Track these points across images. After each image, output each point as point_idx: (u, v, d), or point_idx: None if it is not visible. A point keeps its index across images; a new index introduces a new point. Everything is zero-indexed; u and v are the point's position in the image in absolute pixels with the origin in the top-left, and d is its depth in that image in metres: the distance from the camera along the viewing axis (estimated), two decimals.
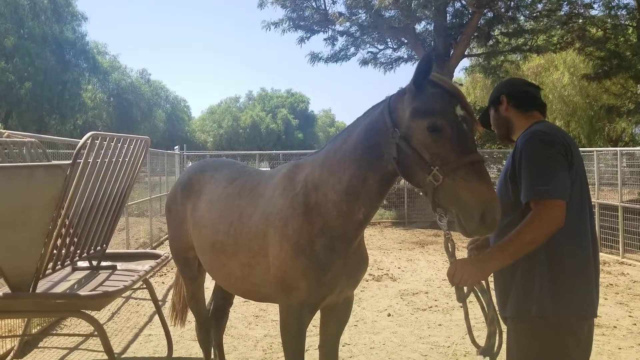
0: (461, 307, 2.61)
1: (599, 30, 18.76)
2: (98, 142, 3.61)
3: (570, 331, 2.32)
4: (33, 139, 4.83)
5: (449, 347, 5.38)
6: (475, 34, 17.86)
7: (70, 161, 3.46)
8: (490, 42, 19.06)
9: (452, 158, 2.19)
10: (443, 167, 2.18)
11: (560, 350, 2.31)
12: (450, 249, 2.36)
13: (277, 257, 2.85)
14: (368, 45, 20.16)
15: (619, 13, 18.75)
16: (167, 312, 6.60)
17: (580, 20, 18.07)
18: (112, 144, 3.87)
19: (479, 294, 2.41)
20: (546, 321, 2.32)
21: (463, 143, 2.22)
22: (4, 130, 4.69)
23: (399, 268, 9.56)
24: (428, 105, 2.28)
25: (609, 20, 18.61)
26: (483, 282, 2.38)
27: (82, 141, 3.45)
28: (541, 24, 18.18)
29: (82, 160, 3.46)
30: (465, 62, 26.36)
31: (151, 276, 5.57)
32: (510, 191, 2.43)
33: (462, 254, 2.57)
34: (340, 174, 2.70)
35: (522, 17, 18.57)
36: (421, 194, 2.44)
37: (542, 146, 2.30)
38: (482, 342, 2.42)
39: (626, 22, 19.17)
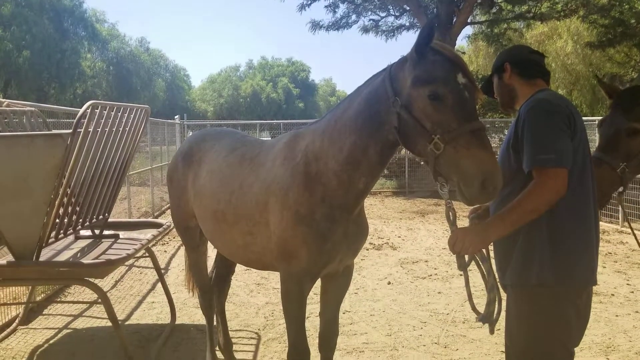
0: (461, 275, 2.63)
1: None
2: (98, 111, 3.59)
3: (569, 299, 2.34)
4: (33, 108, 4.81)
5: (447, 314, 5.45)
6: (478, 1, 17.62)
7: (71, 130, 3.46)
8: (494, 10, 18.81)
9: (454, 126, 2.17)
10: (444, 136, 2.17)
11: (559, 317, 2.33)
12: (451, 218, 2.36)
13: (278, 225, 2.87)
14: (370, 13, 19.91)
15: None
16: (170, 280, 6.68)
17: None
18: (112, 113, 3.85)
19: (480, 262, 2.42)
20: (545, 288, 2.33)
21: (464, 111, 2.21)
22: (3, 100, 4.67)
23: (399, 237, 9.62)
24: (429, 73, 2.26)
25: None
26: (483, 250, 2.39)
27: (82, 110, 3.44)
28: None
29: (82, 130, 3.45)
30: (468, 30, 26.08)
31: (153, 245, 5.61)
32: (512, 160, 2.41)
33: (463, 222, 2.59)
34: (341, 143, 2.69)
35: None
36: (422, 163, 2.43)
37: (545, 114, 2.28)
38: (481, 309, 2.45)
39: None
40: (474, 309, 2.57)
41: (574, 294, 2.35)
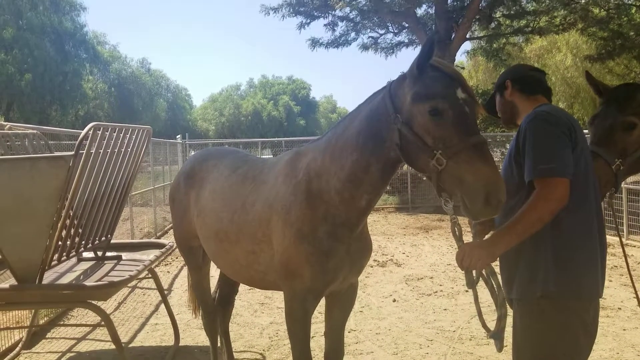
0: (468, 291, 2.62)
1: (602, 10, 18.55)
2: (100, 132, 3.60)
3: (576, 312, 2.31)
4: (35, 131, 4.82)
5: (454, 331, 5.40)
6: (477, 17, 17.74)
7: (73, 152, 3.45)
8: (492, 25, 18.93)
9: (455, 141, 2.17)
10: (446, 151, 2.17)
11: (565, 331, 2.31)
12: (457, 233, 2.35)
13: (280, 244, 2.85)
14: (369, 30, 20.05)
15: None
16: (173, 301, 6.64)
17: (583, 1, 17.90)
18: (114, 134, 3.86)
19: (489, 277, 2.40)
20: (550, 301, 2.31)
21: (465, 125, 2.21)
22: (5, 123, 4.68)
23: (404, 253, 9.57)
24: (429, 89, 2.27)
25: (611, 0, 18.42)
26: (492, 265, 2.37)
27: (84, 132, 3.44)
28: (543, 5, 18.02)
29: (84, 151, 3.45)
30: (467, 45, 26.28)
31: (156, 265, 5.59)
32: (515, 173, 2.41)
33: (468, 238, 2.56)
34: (342, 161, 2.69)
35: None
36: (425, 178, 2.44)
37: (546, 126, 2.28)
38: (490, 325, 2.42)
39: (629, 2, 18.97)
40: (484, 325, 2.54)
41: (580, 308, 2.32)
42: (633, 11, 19.04)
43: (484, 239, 2.43)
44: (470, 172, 2.12)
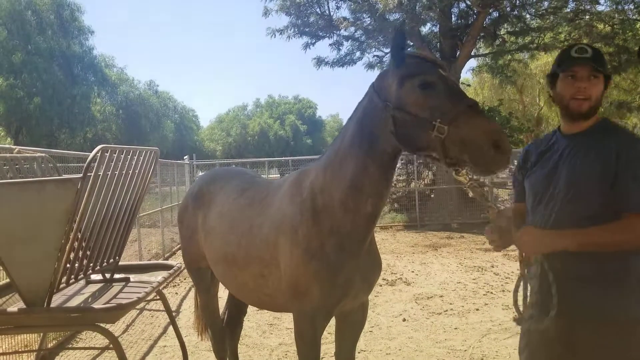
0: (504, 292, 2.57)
1: (607, 25, 18.58)
2: (108, 154, 3.60)
3: None
4: (43, 154, 4.84)
5: (465, 350, 5.33)
6: (482, 34, 17.79)
7: (81, 175, 3.46)
8: (497, 42, 18.98)
9: (450, 107, 2.27)
10: (444, 117, 2.25)
11: None
12: (485, 195, 2.40)
13: (288, 264, 2.84)
14: (374, 49, 20.13)
15: (626, 8, 18.56)
16: (182, 322, 6.60)
17: (587, 17, 17.92)
18: (122, 156, 3.86)
19: (540, 266, 2.33)
20: None
21: (455, 92, 2.34)
22: (14, 146, 4.71)
23: (413, 272, 9.50)
24: (414, 69, 2.42)
25: (616, 15, 18.43)
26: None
27: (92, 154, 3.44)
28: (547, 21, 18.06)
29: (92, 174, 3.46)
30: (472, 63, 26.34)
31: (164, 287, 5.56)
32: (601, 190, 2.25)
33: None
34: (343, 172, 2.72)
35: (528, 16, 18.46)
36: (429, 160, 2.49)
37: None
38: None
39: (634, 17, 19.00)
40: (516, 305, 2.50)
41: None
42: (638, 26, 19.06)
43: (539, 229, 2.34)
44: (472, 129, 2.20)
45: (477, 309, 6.68)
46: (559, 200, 2.33)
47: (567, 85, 2.34)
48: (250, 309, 5.18)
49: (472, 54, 18.68)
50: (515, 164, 2.74)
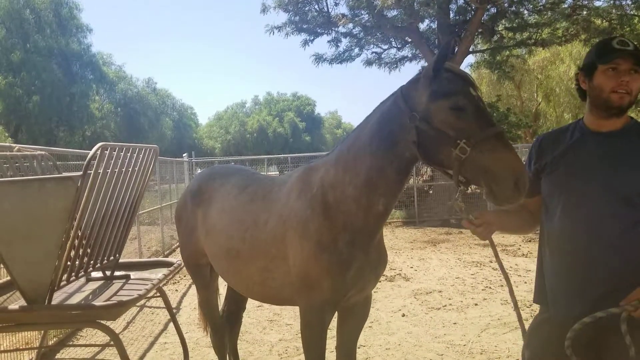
0: (476, 305, 2.58)
1: (604, 21, 18.58)
2: (107, 152, 3.62)
3: None
4: (43, 152, 4.85)
5: (464, 345, 5.36)
6: (480, 30, 17.81)
7: (81, 172, 3.48)
8: (495, 38, 18.99)
9: (477, 131, 2.27)
10: (470, 140, 2.26)
11: None
12: (465, 213, 2.46)
13: (298, 257, 2.87)
14: (372, 46, 20.17)
15: (624, 3, 18.55)
16: (182, 319, 6.62)
17: (585, 12, 17.92)
18: (122, 153, 3.88)
19: None
20: None
21: (485, 118, 2.33)
22: (14, 145, 4.72)
23: (412, 267, 9.53)
24: (447, 87, 2.39)
25: (613, 10, 18.42)
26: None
27: (92, 152, 3.46)
28: (545, 17, 18.09)
29: (92, 171, 3.47)
30: (470, 59, 26.29)
31: (164, 284, 5.58)
32: None
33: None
34: (357, 169, 2.74)
35: (525, 11, 18.48)
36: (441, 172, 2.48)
37: None
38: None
39: (632, 12, 19.00)
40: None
41: None
42: (635, 22, 19.07)
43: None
44: (496, 160, 2.23)
45: (476, 304, 6.70)
46: (600, 204, 2.26)
47: (608, 78, 2.26)
48: (250, 305, 5.21)
49: (470, 49, 18.69)
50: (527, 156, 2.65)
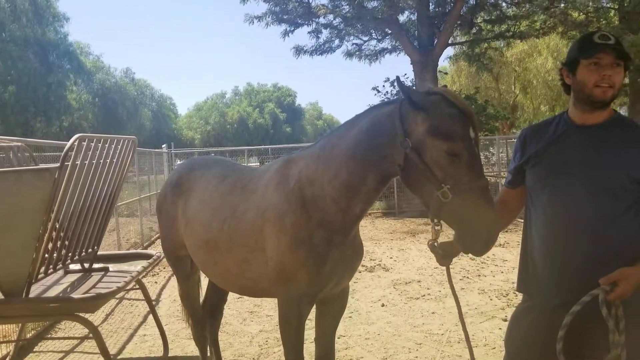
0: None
1: (581, 14, 18.83)
2: (85, 143, 3.59)
3: None
4: (19, 143, 4.80)
5: (442, 334, 5.44)
6: (459, 22, 17.90)
7: (58, 164, 3.45)
8: (474, 30, 19.12)
9: (465, 180, 2.28)
10: (455, 187, 2.27)
11: None
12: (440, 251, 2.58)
13: (275, 250, 2.88)
14: (352, 37, 20.13)
15: None
16: (162, 311, 6.61)
17: (562, 5, 18.11)
18: (100, 145, 3.85)
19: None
20: None
21: (476, 167, 2.31)
22: None
23: (391, 258, 9.61)
24: (447, 128, 2.32)
25: (590, 3, 18.68)
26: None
27: (69, 144, 3.43)
28: (523, 9, 18.23)
29: (69, 163, 3.45)
30: (449, 51, 26.44)
31: (144, 276, 5.56)
32: (630, 187, 2.25)
33: (443, 240, 2.61)
34: (336, 169, 2.73)
35: (504, 4, 18.63)
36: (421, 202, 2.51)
37: None
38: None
39: (608, 5, 19.27)
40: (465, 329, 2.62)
41: None
42: (612, 14, 19.34)
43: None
44: (475, 215, 2.25)
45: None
46: (583, 195, 2.29)
47: (591, 72, 2.27)
48: (231, 297, 5.22)
49: (450, 42, 18.79)
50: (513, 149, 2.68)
